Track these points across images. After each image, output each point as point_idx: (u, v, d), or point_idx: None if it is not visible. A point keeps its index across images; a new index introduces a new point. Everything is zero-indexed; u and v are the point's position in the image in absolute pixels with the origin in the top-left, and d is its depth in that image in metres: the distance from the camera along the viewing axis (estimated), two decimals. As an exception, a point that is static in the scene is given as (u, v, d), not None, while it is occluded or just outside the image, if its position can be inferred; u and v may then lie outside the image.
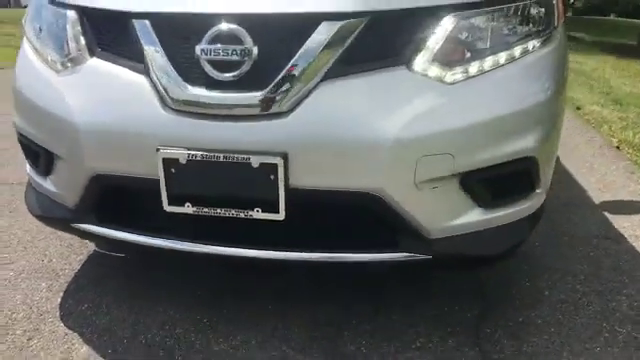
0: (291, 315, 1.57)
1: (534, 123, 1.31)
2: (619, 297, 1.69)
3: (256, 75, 1.20)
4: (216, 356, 1.41)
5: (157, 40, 1.26)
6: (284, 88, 1.19)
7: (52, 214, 1.51)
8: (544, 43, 1.36)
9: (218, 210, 1.27)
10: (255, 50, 1.20)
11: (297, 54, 1.19)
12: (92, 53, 1.37)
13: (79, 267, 1.83)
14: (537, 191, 1.42)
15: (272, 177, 1.21)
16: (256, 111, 1.21)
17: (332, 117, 1.20)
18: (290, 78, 1.19)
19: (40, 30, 1.50)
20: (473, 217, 1.33)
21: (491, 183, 1.31)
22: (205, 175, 1.24)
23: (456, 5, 1.26)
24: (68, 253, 1.91)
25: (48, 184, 1.50)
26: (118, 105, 1.29)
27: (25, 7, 1.81)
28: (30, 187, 1.62)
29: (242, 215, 1.26)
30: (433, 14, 1.25)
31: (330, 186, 1.23)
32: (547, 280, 1.78)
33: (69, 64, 1.38)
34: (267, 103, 1.20)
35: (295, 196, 1.23)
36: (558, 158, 3.03)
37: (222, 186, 1.25)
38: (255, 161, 1.20)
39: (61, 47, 1.41)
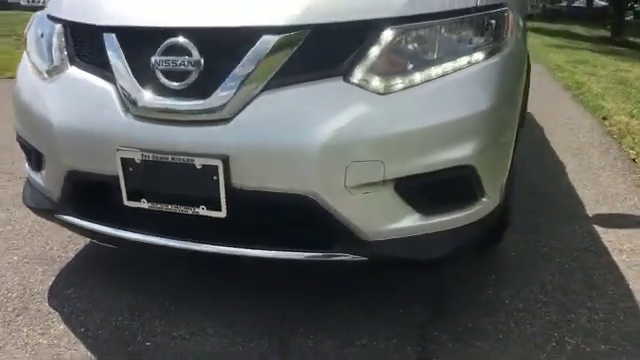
0: (250, 309, 1.67)
1: (471, 133, 1.35)
2: (580, 310, 1.68)
3: (202, 84, 1.32)
4: (173, 340, 1.54)
5: (121, 51, 1.41)
6: (226, 97, 1.30)
7: (41, 206, 1.69)
8: (489, 55, 1.40)
9: (169, 206, 1.40)
10: (202, 61, 1.32)
11: (238, 65, 1.30)
12: (72, 62, 1.53)
13: (74, 255, 2.02)
14: (483, 200, 1.46)
15: (214, 178, 1.31)
16: (201, 117, 1.33)
17: (270, 124, 1.30)
18: (232, 87, 1.30)
19: (35, 40, 1.69)
20: (411, 222, 1.38)
21: (428, 190, 1.37)
22: (157, 174, 1.37)
23: (392, 19, 1.33)
24: (67, 243, 2.10)
25: (39, 179, 1.68)
26: (88, 109, 1.45)
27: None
28: (27, 182, 1.81)
29: (189, 212, 1.38)
30: (369, 27, 1.32)
31: (269, 188, 1.32)
32: (512, 289, 1.79)
33: (53, 72, 1.55)
34: (210, 110, 1.31)
35: (236, 196, 1.33)
36: (564, 169, 2.98)
37: (172, 185, 1.37)
38: (198, 163, 1.32)
39: (48, 56, 1.59)
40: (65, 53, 1.55)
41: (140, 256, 1.97)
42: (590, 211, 2.43)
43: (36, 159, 1.65)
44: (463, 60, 1.37)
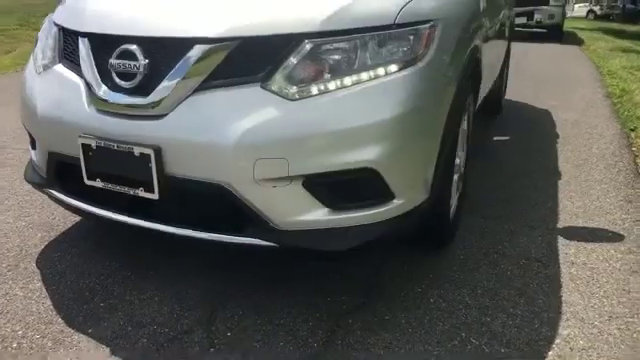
0: (199, 285, 1.89)
1: (374, 139, 1.48)
2: (499, 315, 1.75)
3: (144, 84, 1.54)
4: (123, 303, 1.79)
5: (90, 53, 1.66)
6: (162, 96, 1.52)
7: (35, 180, 1.99)
8: (402, 68, 1.52)
9: (117, 187, 1.64)
10: (145, 65, 1.54)
11: (174, 69, 1.51)
12: (60, 60, 1.81)
13: (70, 225, 2.33)
14: (394, 201, 1.58)
15: (149, 165, 1.54)
16: (141, 112, 1.55)
17: (196, 122, 1.50)
18: (167, 89, 1.51)
19: (41, 40, 1.99)
20: (319, 216, 1.54)
21: (335, 188, 1.51)
22: (108, 159, 1.61)
23: (310, 33, 1.48)
24: (68, 215, 2.42)
25: (34, 157, 1.99)
26: (63, 100, 1.72)
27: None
28: (29, 160, 2.13)
29: (132, 192, 1.61)
30: (289, 41, 1.48)
31: (193, 176, 1.53)
32: (442, 289, 1.88)
33: (45, 67, 1.85)
34: (148, 106, 1.53)
35: (166, 181, 1.55)
36: (557, 179, 2.95)
37: (118, 168, 1.61)
38: (137, 151, 1.54)
39: (45, 54, 1.88)
40: (56, 52, 1.83)
41: (123, 232, 2.25)
42: (562, 223, 2.43)
43: (31, 141, 1.96)
44: (375, 72, 1.50)
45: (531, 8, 11.76)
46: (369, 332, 1.65)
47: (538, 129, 4.15)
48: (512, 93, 5.06)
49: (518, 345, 1.61)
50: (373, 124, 1.47)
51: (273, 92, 1.47)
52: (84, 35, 1.70)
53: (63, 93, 1.73)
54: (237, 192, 1.49)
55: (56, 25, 1.89)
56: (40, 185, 1.95)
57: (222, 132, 1.46)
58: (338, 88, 1.47)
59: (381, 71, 1.50)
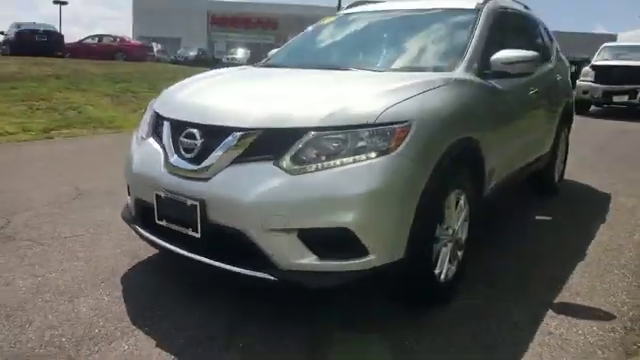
0: (217, 313, 2.45)
1: (352, 206, 1.99)
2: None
3: (198, 157, 2.22)
4: (172, 314, 2.40)
5: (169, 132, 2.40)
6: (208, 166, 2.18)
7: (126, 218, 2.74)
8: (378, 155, 2.04)
9: (175, 227, 2.30)
10: (200, 144, 2.22)
11: (218, 148, 2.17)
12: (152, 135, 2.59)
13: (150, 255, 3.05)
14: (369, 256, 2.04)
15: (196, 211, 2.18)
16: (194, 175, 2.22)
17: (228, 185, 2.13)
18: (212, 160, 2.17)
19: (144, 119, 2.81)
20: (309, 261, 2.05)
21: (321, 240, 2.03)
22: (171, 206, 2.29)
23: (312, 127, 2.07)
24: (149, 247, 3.14)
25: (128, 201, 2.75)
26: (149, 163, 2.46)
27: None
28: (126, 203, 2.90)
29: (184, 231, 2.26)
30: (297, 132, 2.08)
31: (223, 222, 2.14)
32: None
33: (142, 139, 2.63)
34: (199, 172, 2.20)
35: (206, 224, 2.17)
36: (581, 260, 3.13)
37: (177, 213, 2.28)
38: (189, 202, 2.20)
39: (143, 129, 2.68)
40: (150, 128, 2.62)
41: (183, 266, 2.90)
42: (559, 299, 2.64)
43: (127, 188, 2.73)
44: (358, 157, 2.03)
45: (633, 86, 11.38)
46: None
47: (588, 210, 4.25)
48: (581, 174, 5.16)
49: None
50: (351, 195, 1.99)
51: (281, 168, 2.06)
52: (167, 119, 2.45)
53: (150, 158, 2.47)
54: (252, 237, 2.06)
55: (153, 110, 2.69)
56: (129, 222, 2.69)
57: (243, 194, 2.07)
58: (328, 167, 2.03)
59: (362, 157, 2.03)
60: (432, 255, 2.34)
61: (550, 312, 2.50)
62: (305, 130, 2.08)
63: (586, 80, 12.01)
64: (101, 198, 4.17)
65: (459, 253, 2.63)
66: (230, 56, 35.66)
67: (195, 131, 2.26)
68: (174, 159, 2.32)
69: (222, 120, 2.24)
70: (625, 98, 11.59)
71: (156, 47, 30.27)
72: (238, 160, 2.14)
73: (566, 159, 5.16)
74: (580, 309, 2.56)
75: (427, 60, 3.02)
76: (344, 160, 2.03)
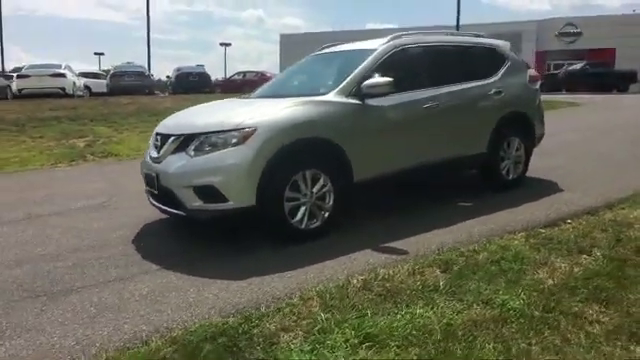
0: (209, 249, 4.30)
1: (218, 173, 3.72)
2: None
3: (159, 150, 4.16)
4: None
5: (155, 139, 4.39)
6: (161, 155, 4.10)
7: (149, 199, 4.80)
8: (234, 145, 3.75)
9: (149, 188, 4.26)
10: (159, 144, 4.16)
11: (164, 146, 4.08)
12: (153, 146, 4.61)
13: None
14: (229, 202, 3.72)
15: (157, 180, 4.09)
16: (156, 160, 4.16)
17: (166, 165, 4.02)
18: (162, 152, 4.09)
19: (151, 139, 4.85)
20: (199, 204, 3.81)
21: (204, 192, 3.78)
22: (150, 179, 4.24)
23: (201, 133, 3.88)
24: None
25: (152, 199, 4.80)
26: (147, 159, 4.47)
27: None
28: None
29: (153, 191, 4.20)
30: (196, 135, 3.90)
31: (164, 185, 4.02)
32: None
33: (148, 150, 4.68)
34: (158, 158, 4.13)
35: (160, 186, 4.07)
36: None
37: (152, 183, 4.21)
38: (153, 174, 4.13)
39: (150, 145, 4.72)
40: (152, 142, 4.64)
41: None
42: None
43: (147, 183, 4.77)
44: (225, 147, 3.75)
45: None
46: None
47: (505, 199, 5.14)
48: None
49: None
50: (216, 167, 3.72)
51: (188, 154, 3.87)
52: (156, 133, 4.44)
53: (148, 155, 4.47)
54: (174, 191, 3.90)
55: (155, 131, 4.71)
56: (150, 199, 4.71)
57: (171, 168, 3.92)
58: (209, 152, 3.78)
59: (227, 147, 3.74)
60: (283, 208, 3.87)
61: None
62: (199, 134, 3.87)
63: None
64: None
65: (324, 214, 4.09)
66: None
67: (159, 137, 4.21)
68: (152, 152, 4.29)
69: (168, 130, 4.15)
70: None
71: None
72: (173, 152, 4.01)
73: (527, 161, 5.83)
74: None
75: (317, 88, 4.54)
76: (217, 148, 3.77)
